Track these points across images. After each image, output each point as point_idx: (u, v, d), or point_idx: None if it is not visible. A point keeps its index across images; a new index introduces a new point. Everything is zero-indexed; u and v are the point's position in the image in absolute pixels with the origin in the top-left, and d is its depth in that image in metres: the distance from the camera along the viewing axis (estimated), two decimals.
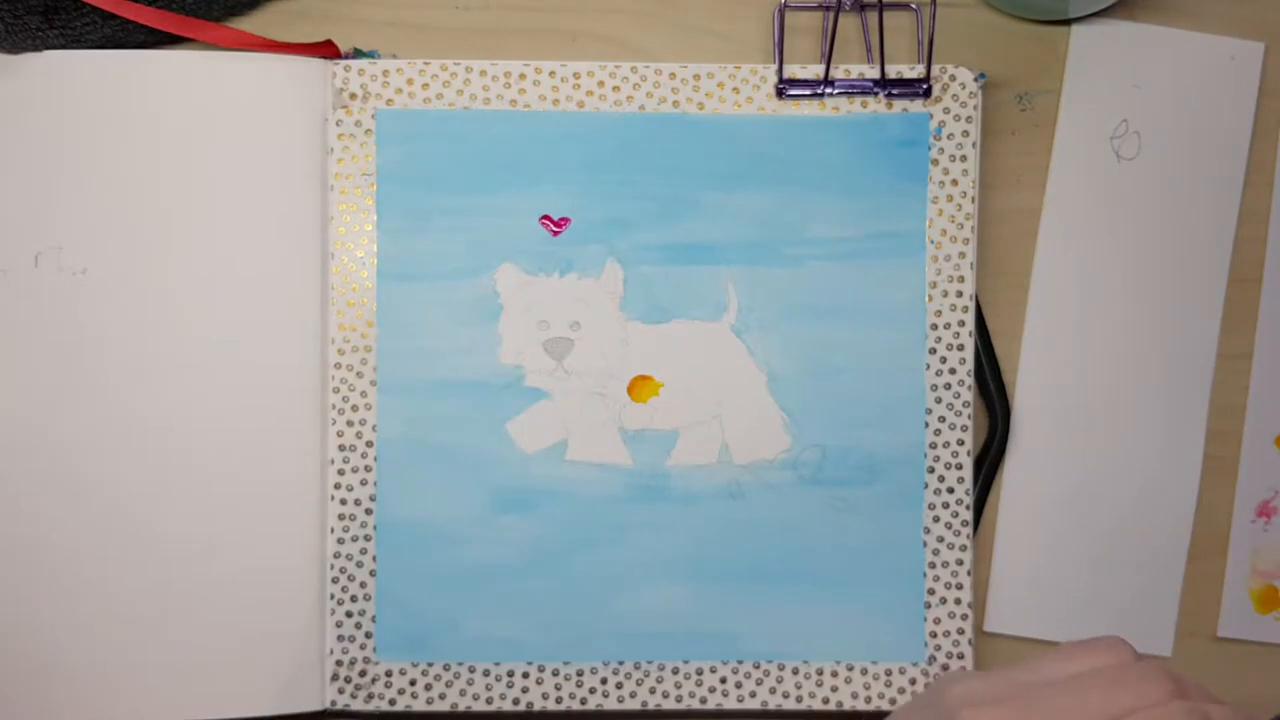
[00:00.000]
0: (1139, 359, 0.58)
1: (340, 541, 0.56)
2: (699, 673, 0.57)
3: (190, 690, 0.56)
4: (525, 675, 0.56)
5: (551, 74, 0.57)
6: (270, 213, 0.57)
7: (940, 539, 0.57)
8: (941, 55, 0.57)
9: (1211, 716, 0.42)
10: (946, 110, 0.57)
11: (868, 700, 0.57)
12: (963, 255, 0.57)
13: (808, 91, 0.57)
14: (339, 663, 0.56)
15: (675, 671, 0.57)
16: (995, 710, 0.42)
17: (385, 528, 0.56)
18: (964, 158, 0.57)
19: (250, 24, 0.58)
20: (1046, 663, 0.44)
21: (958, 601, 0.57)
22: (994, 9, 0.59)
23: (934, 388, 0.57)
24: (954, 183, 0.57)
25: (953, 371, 0.57)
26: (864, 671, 0.57)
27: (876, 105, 0.57)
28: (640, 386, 0.57)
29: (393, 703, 0.56)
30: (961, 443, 0.57)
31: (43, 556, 0.56)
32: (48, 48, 0.56)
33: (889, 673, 0.57)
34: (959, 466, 0.57)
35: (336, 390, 0.56)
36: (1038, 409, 0.58)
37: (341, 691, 0.56)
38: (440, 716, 0.57)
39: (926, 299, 0.57)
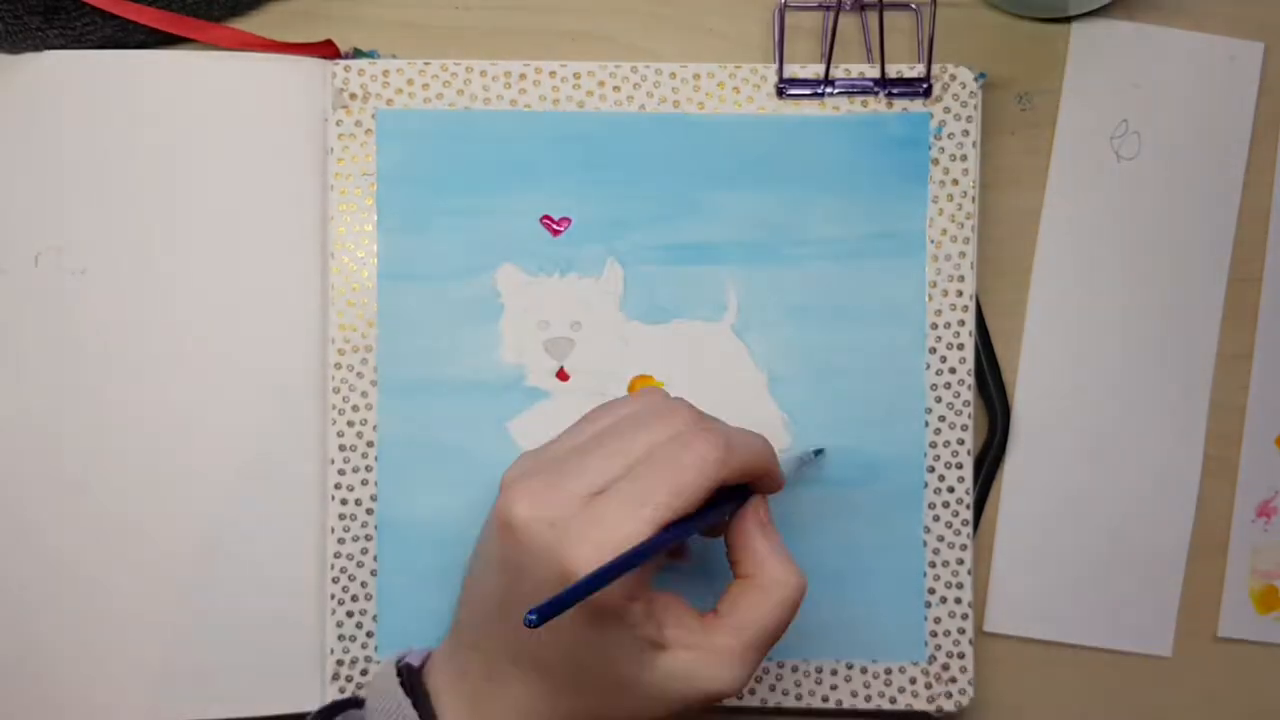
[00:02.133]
0: (1139, 359, 0.58)
1: (340, 541, 0.56)
2: None
3: (190, 690, 0.56)
4: None
5: (551, 74, 0.57)
6: (270, 213, 0.57)
7: (940, 538, 0.57)
8: (941, 55, 0.57)
9: (732, 440, 0.45)
10: (947, 110, 0.57)
11: (867, 699, 0.57)
12: (963, 255, 0.57)
13: (808, 91, 0.57)
14: (339, 662, 0.56)
15: None
16: (528, 486, 0.44)
17: (385, 528, 0.56)
18: (964, 157, 0.57)
19: (250, 24, 0.58)
20: (578, 427, 0.47)
21: (958, 601, 0.57)
22: (994, 8, 0.59)
23: (934, 387, 0.57)
24: (954, 182, 0.57)
25: (953, 371, 0.57)
26: (864, 670, 0.57)
27: (876, 105, 0.57)
28: (640, 386, 0.57)
29: None
30: (961, 442, 0.57)
31: (42, 556, 0.56)
32: (48, 48, 0.56)
33: (889, 672, 0.57)
34: (959, 466, 0.57)
35: (336, 390, 0.56)
36: (1038, 409, 0.58)
37: (342, 691, 0.56)
38: None
39: (926, 299, 0.57)
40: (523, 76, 0.57)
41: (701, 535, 0.50)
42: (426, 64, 0.57)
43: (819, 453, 0.56)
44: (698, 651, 0.44)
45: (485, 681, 0.46)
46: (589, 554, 0.41)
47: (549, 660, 0.44)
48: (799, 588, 0.46)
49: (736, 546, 0.47)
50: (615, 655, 0.44)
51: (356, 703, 0.50)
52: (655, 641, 0.44)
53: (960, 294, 0.57)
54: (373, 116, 0.56)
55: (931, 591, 0.57)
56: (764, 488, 0.48)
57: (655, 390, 0.49)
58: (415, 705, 0.46)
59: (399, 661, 0.49)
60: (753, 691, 0.57)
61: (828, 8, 0.58)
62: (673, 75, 0.57)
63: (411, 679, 0.48)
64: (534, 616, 0.38)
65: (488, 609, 0.46)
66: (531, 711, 0.45)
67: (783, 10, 0.58)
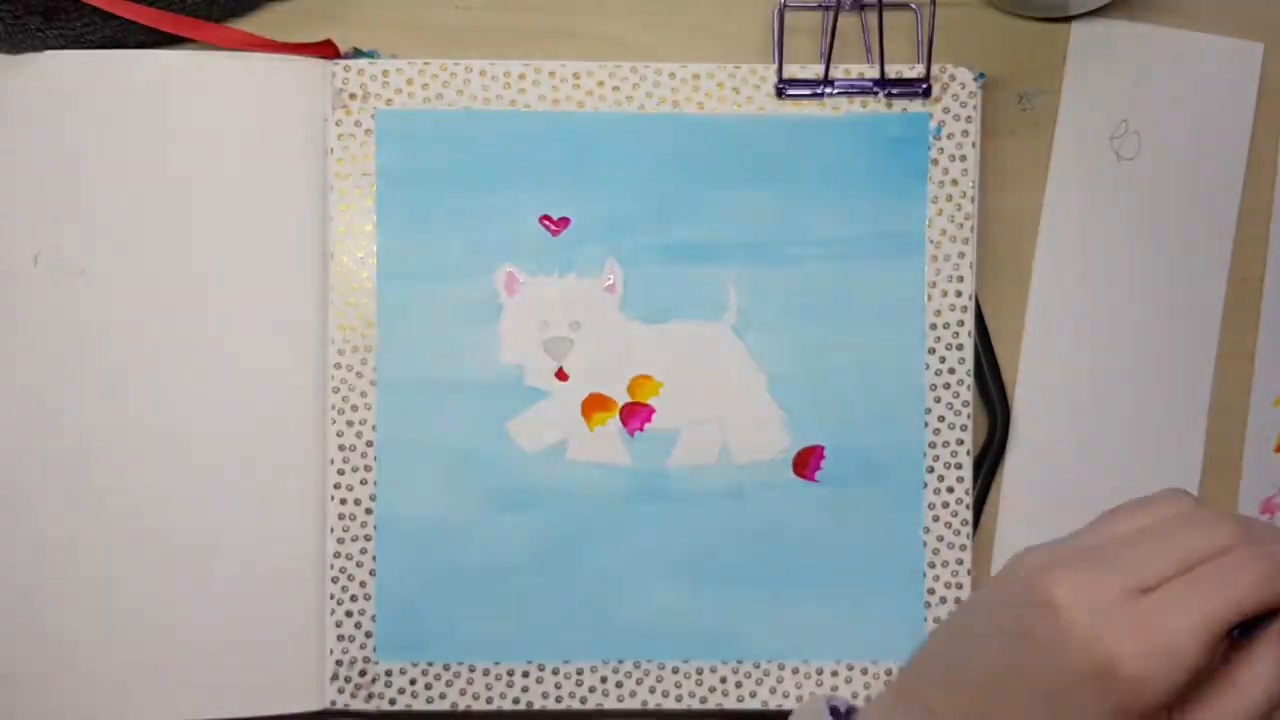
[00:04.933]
0: (1139, 359, 0.58)
1: (340, 541, 0.56)
2: (699, 672, 0.57)
3: (190, 690, 0.56)
4: (525, 674, 0.56)
5: (551, 74, 0.57)
6: (270, 213, 0.57)
7: (940, 539, 0.57)
8: (941, 55, 0.57)
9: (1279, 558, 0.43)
10: (946, 110, 0.57)
11: (868, 700, 0.57)
12: (962, 255, 0.57)
13: (807, 91, 0.57)
14: (339, 662, 0.56)
15: (675, 671, 0.57)
16: (1071, 570, 0.42)
17: (385, 528, 0.56)
18: (964, 157, 0.57)
19: (250, 24, 0.58)
20: (1111, 521, 0.45)
21: (958, 601, 0.57)
22: (994, 8, 0.59)
23: (934, 388, 0.57)
24: (954, 183, 0.57)
25: (952, 371, 0.57)
26: (864, 671, 0.57)
27: (876, 105, 0.57)
28: (640, 386, 0.57)
29: (393, 702, 0.56)
30: (961, 442, 0.57)
31: (42, 556, 0.56)
32: (48, 48, 0.56)
33: (889, 672, 0.57)
34: (959, 466, 0.57)
35: (336, 390, 0.56)
36: (1038, 409, 0.58)
37: (341, 691, 0.56)
38: (440, 716, 0.57)
39: (926, 299, 0.57)
40: (523, 76, 0.57)
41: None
42: (426, 64, 0.57)
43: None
44: None
45: None
46: (1134, 648, 0.41)
47: None
48: (1271, 695, 0.43)
49: (1246, 654, 0.44)
50: None
51: None
52: None
53: (960, 294, 0.57)
54: (373, 116, 0.56)
55: (931, 592, 0.57)
56: None
57: (1188, 494, 0.47)
58: None
59: (829, 701, 0.48)
60: (753, 694, 0.57)
61: (827, 8, 0.58)
62: (672, 75, 0.57)
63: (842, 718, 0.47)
64: (1240, 632, 0.39)
65: (967, 675, 0.45)
66: None
67: (782, 10, 0.58)
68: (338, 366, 0.56)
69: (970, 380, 0.57)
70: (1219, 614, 0.41)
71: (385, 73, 0.56)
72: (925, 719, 0.45)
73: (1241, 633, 0.42)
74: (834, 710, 0.47)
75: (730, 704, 0.57)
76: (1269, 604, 0.42)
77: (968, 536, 0.57)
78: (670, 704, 0.56)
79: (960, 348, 0.57)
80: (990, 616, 0.45)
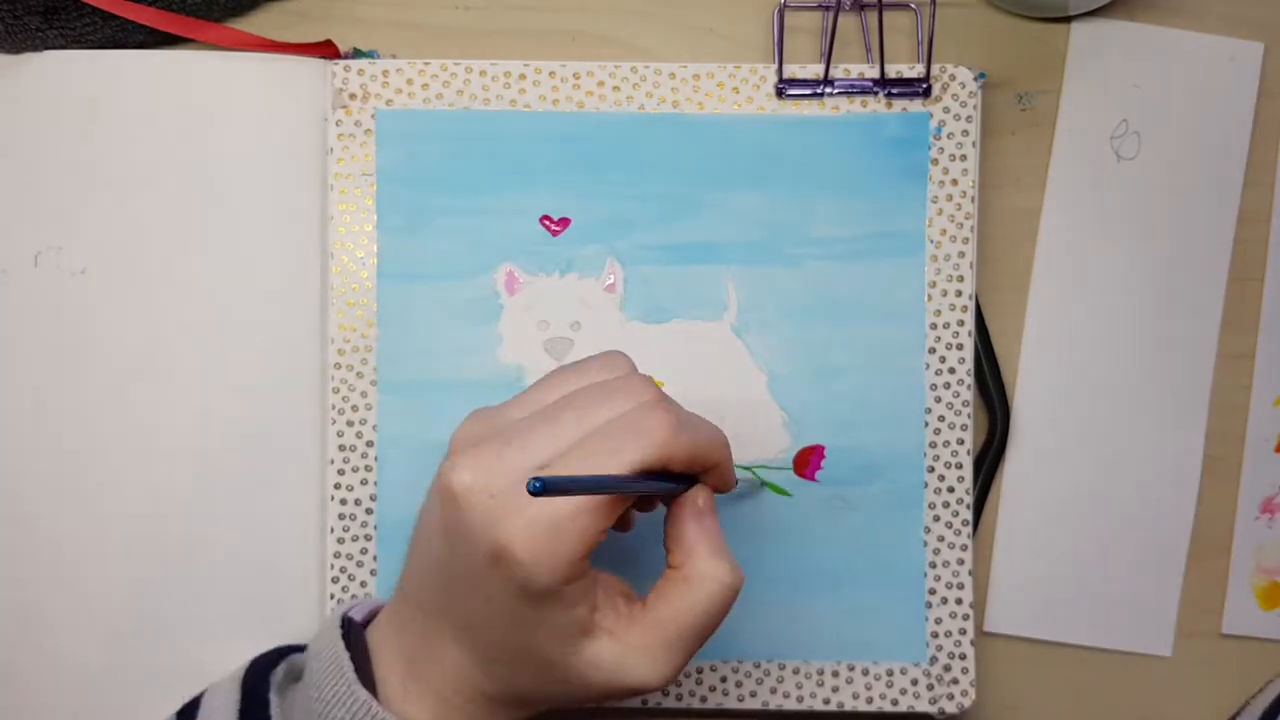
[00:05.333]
0: (1139, 359, 0.58)
1: (340, 541, 0.56)
2: (698, 672, 0.57)
3: (190, 690, 0.56)
4: None
5: (551, 74, 0.57)
6: (270, 213, 0.57)
7: (940, 539, 0.57)
8: (941, 55, 0.57)
9: (684, 422, 0.44)
10: (946, 110, 0.57)
11: (869, 701, 0.57)
12: (962, 255, 0.57)
13: (808, 91, 0.57)
14: None
15: None
16: (472, 457, 0.43)
17: (385, 528, 0.56)
18: (964, 157, 0.57)
19: (250, 24, 0.58)
20: (544, 387, 0.46)
21: (959, 601, 0.57)
22: (994, 8, 0.59)
23: (934, 387, 0.57)
24: (954, 182, 0.57)
25: (952, 371, 0.57)
26: (865, 672, 0.57)
27: (876, 105, 0.57)
28: None
29: None
30: (961, 442, 0.57)
31: (41, 556, 0.56)
32: (48, 48, 0.56)
33: (890, 673, 0.57)
34: (959, 466, 0.57)
35: (336, 390, 0.56)
36: (1038, 409, 0.58)
37: None
38: None
39: (926, 299, 0.57)
40: (523, 76, 0.57)
41: (639, 510, 0.50)
42: (426, 64, 0.57)
43: (762, 485, 0.56)
44: (622, 644, 0.44)
45: (423, 641, 0.46)
46: (521, 530, 0.41)
47: (483, 632, 0.44)
48: (728, 585, 0.44)
49: (670, 535, 0.46)
50: (546, 636, 0.43)
51: (301, 648, 0.50)
52: (585, 627, 0.43)
53: (960, 294, 0.57)
54: (372, 116, 0.56)
55: (932, 592, 0.57)
56: (712, 481, 0.47)
57: (619, 358, 0.47)
58: (353, 659, 0.46)
59: (345, 613, 0.49)
60: (754, 694, 0.57)
61: (827, 8, 0.58)
62: (672, 75, 0.57)
63: (354, 632, 0.47)
64: (538, 484, 0.37)
65: (431, 571, 0.45)
66: (463, 679, 0.45)
67: (782, 10, 0.58)
68: (338, 366, 0.56)
69: (970, 380, 0.57)
70: (599, 483, 0.41)
71: (385, 73, 0.56)
72: (415, 613, 0.46)
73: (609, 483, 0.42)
74: (346, 620, 0.48)
75: (730, 704, 0.57)
76: (657, 459, 0.43)
77: (968, 536, 0.57)
78: (670, 703, 0.56)
79: (960, 348, 0.57)
80: (429, 506, 0.46)
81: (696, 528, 0.45)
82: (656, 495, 0.46)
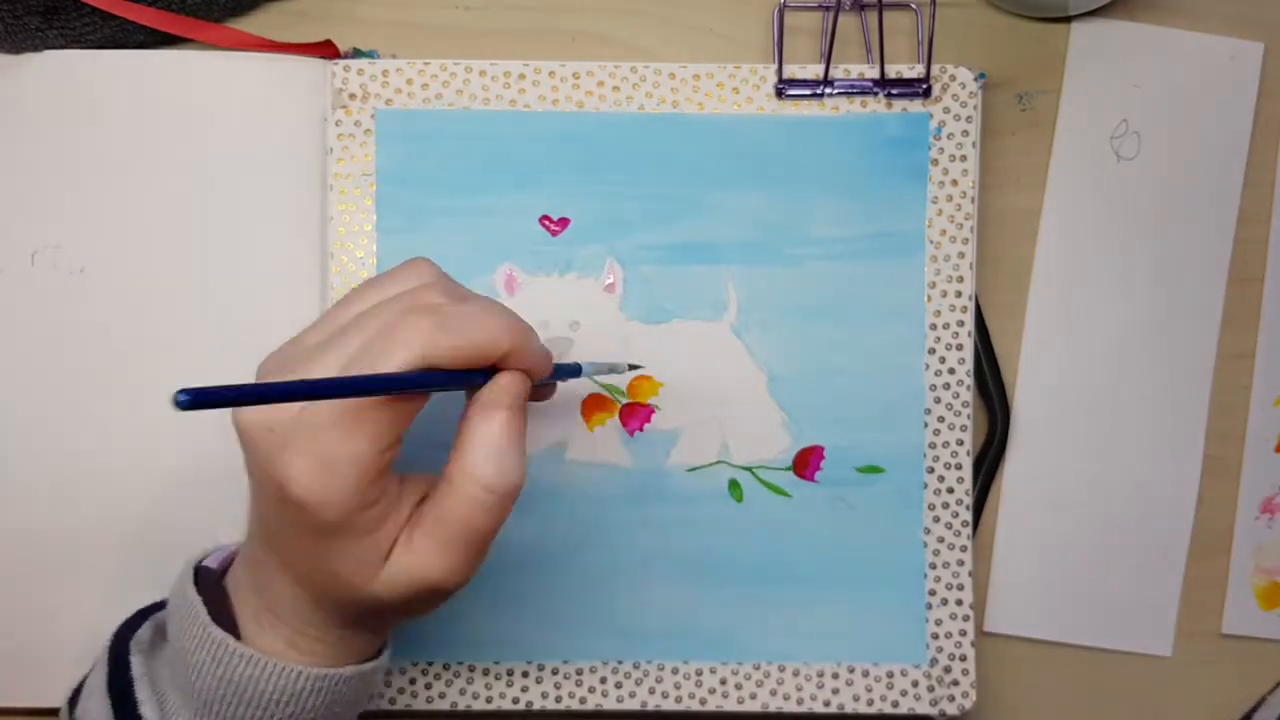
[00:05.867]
0: (1139, 359, 0.58)
1: None
2: (698, 674, 0.57)
3: None
4: (525, 674, 0.56)
5: (551, 74, 0.57)
6: (270, 213, 0.57)
7: (940, 539, 0.57)
8: (941, 55, 0.57)
9: (448, 324, 0.41)
10: (946, 110, 0.57)
11: (869, 703, 0.56)
12: (962, 255, 0.57)
13: (808, 91, 0.57)
14: None
15: (675, 672, 0.57)
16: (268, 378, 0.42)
17: None
18: (964, 158, 0.57)
19: (250, 24, 0.58)
20: (346, 302, 0.44)
21: (959, 602, 0.57)
22: (994, 8, 0.59)
23: (933, 388, 0.57)
24: (954, 183, 0.57)
25: (952, 371, 0.57)
26: (865, 673, 0.57)
27: (876, 105, 0.57)
28: (640, 386, 0.57)
29: (392, 701, 0.56)
30: (961, 443, 0.57)
31: (41, 555, 0.56)
32: (48, 48, 0.56)
33: (890, 674, 0.57)
34: (959, 466, 0.57)
35: None
36: (1038, 409, 0.58)
37: None
38: (440, 715, 0.57)
39: (926, 299, 0.57)
40: (522, 76, 0.57)
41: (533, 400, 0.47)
42: (426, 64, 0.57)
43: (634, 368, 0.56)
44: (410, 550, 0.42)
45: (267, 576, 0.45)
46: (295, 466, 0.39)
47: (299, 563, 0.43)
48: (488, 486, 0.42)
49: (458, 429, 0.43)
50: (348, 563, 0.42)
51: (162, 604, 0.49)
52: (384, 550, 0.42)
53: (960, 294, 0.57)
54: (372, 116, 0.56)
55: (932, 593, 0.57)
56: (513, 367, 0.43)
57: (422, 265, 0.45)
58: (210, 602, 0.45)
59: (198, 562, 0.48)
60: (754, 696, 0.57)
61: (827, 8, 0.58)
62: (672, 75, 0.57)
63: (209, 578, 0.47)
64: (185, 396, 0.32)
65: (253, 507, 0.45)
66: (300, 610, 0.44)
67: (782, 10, 0.58)
68: None
69: (970, 380, 0.57)
70: (356, 401, 0.39)
71: (385, 73, 0.56)
72: (259, 550, 0.45)
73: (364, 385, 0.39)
74: (200, 570, 0.47)
75: (730, 705, 0.56)
76: (416, 366, 0.40)
77: (968, 537, 0.57)
78: (670, 705, 0.56)
79: (960, 348, 0.57)
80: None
81: (476, 421, 0.42)
82: (445, 388, 0.42)
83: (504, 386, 0.43)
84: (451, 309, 0.42)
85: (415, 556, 0.42)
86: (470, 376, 0.42)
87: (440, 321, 0.41)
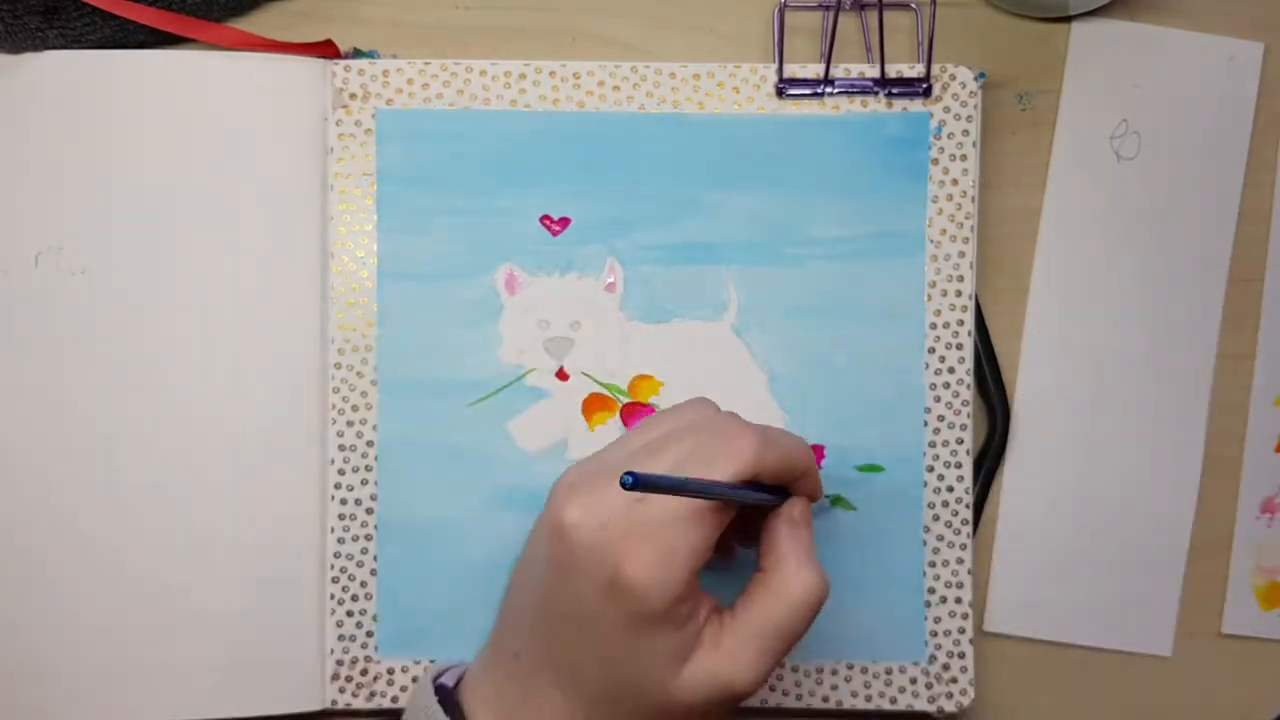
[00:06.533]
0: (1139, 359, 0.58)
1: (340, 541, 0.56)
2: None
3: (190, 690, 0.56)
4: None
5: (551, 74, 0.57)
6: (270, 212, 0.57)
7: (940, 538, 0.57)
8: (941, 55, 0.57)
9: (770, 437, 0.46)
10: (946, 110, 0.57)
11: (868, 699, 0.57)
12: (962, 255, 0.57)
13: (808, 91, 0.57)
14: (339, 662, 0.56)
15: None
16: (577, 490, 0.45)
17: (385, 527, 0.56)
18: (964, 157, 0.57)
19: (250, 24, 0.58)
20: (636, 433, 0.48)
21: (958, 601, 0.57)
22: (994, 7, 0.59)
23: (933, 387, 0.57)
24: (954, 182, 0.57)
25: (952, 371, 0.57)
26: (864, 670, 0.57)
27: (876, 105, 0.57)
28: (640, 386, 0.57)
29: (394, 701, 0.56)
30: (961, 442, 0.57)
31: (41, 556, 0.56)
32: (48, 48, 0.56)
33: (889, 672, 0.57)
34: (959, 466, 0.57)
35: (336, 390, 0.56)
36: (1038, 409, 0.58)
37: (342, 690, 0.56)
38: None
39: (926, 299, 0.57)
40: (523, 76, 0.57)
41: (741, 546, 0.51)
42: (426, 64, 0.57)
43: (834, 501, 0.57)
44: (718, 654, 0.45)
45: (524, 696, 0.46)
46: (632, 553, 0.42)
47: (588, 672, 0.45)
48: (813, 590, 0.46)
49: (764, 543, 0.47)
50: (655, 662, 0.44)
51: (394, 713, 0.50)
52: (690, 645, 0.44)
53: (960, 294, 0.57)
54: (373, 116, 0.56)
55: (931, 591, 0.57)
56: (802, 489, 0.48)
57: (706, 401, 0.49)
58: None
59: (435, 679, 0.50)
60: None
61: (828, 8, 0.58)
62: (673, 75, 0.57)
63: (446, 698, 0.48)
64: (630, 479, 0.38)
65: (531, 614, 0.46)
66: (561, 717, 0.46)
67: (783, 10, 0.58)
68: (338, 366, 0.56)
69: (970, 380, 0.57)
70: (691, 484, 0.42)
71: (385, 73, 0.56)
72: (511, 663, 0.47)
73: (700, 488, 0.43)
74: (440, 688, 0.49)
75: None
76: (748, 473, 0.44)
77: (967, 536, 0.57)
78: None
79: (960, 348, 0.57)
80: (532, 549, 0.47)
81: (789, 536, 0.47)
82: (751, 506, 0.47)
83: (806, 504, 0.48)
84: (771, 429, 0.47)
85: (723, 659, 0.44)
86: (775, 493, 0.47)
87: (766, 439, 0.45)
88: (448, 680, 0.50)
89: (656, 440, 0.46)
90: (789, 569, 0.46)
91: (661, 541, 0.43)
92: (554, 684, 0.46)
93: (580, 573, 0.44)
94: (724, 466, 0.44)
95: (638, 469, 0.43)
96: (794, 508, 0.47)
